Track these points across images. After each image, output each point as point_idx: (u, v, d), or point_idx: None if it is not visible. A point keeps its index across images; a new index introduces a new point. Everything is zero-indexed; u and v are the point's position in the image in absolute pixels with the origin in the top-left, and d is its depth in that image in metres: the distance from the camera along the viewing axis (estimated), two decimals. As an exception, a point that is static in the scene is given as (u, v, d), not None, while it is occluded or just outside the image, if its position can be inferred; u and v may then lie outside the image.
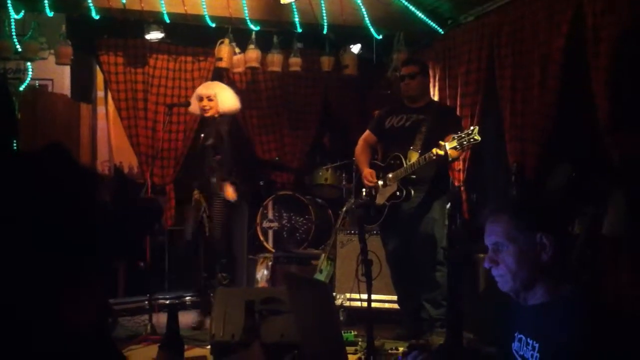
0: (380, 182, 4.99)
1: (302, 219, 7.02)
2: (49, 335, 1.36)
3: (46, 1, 5.40)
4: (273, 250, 6.85)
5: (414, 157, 4.81)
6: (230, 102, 5.63)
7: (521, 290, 2.08)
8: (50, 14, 5.53)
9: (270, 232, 7.04)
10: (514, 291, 2.09)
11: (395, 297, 5.32)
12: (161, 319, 5.25)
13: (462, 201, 5.84)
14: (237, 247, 6.68)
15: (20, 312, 1.35)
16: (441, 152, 4.54)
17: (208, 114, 5.56)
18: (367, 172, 5.03)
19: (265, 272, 6.47)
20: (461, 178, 5.85)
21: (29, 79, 6.24)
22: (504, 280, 2.09)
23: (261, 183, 7.31)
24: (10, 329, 1.34)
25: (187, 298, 6.42)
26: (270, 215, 7.06)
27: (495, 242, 2.10)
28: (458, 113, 5.75)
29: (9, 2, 5.31)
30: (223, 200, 5.50)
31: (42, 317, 1.36)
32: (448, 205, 5.45)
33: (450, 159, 4.67)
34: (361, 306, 5.26)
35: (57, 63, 6.09)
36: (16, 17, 5.53)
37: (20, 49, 5.73)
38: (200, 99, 5.59)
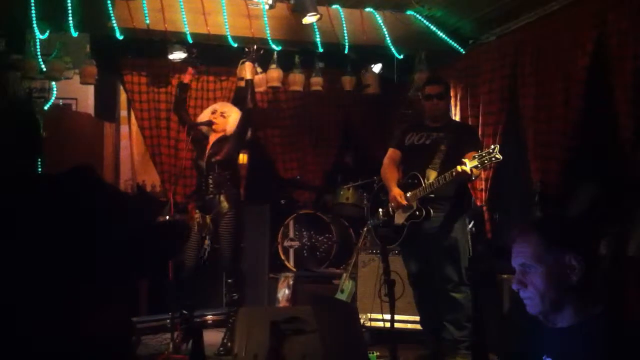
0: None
1: (323, 237, 7.01)
2: (68, 348, 1.37)
3: (71, 21, 5.45)
4: (294, 269, 6.84)
5: (432, 175, 4.77)
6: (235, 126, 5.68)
7: (550, 313, 2.05)
8: (75, 34, 5.59)
9: (292, 251, 7.04)
10: (542, 313, 2.06)
11: (418, 318, 5.27)
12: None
13: (484, 221, 5.80)
14: (257, 265, 6.69)
15: (39, 324, 1.35)
16: (466, 169, 4.50)
17: (216, 128, 5.61)
18: (397, 193, 4.91)
19: (287, 291, 6.46)
20: (483, 197, 5.81)
21: (53, 98, 6.31)
22: (533, 303, 2.06)
23: (282, 202, 7.32)
24: (31, 341, 1.35)
25: (209, 317, 6.41)
26: (291, 234, 7.06)
27: (523, 263, 2.07)
28: (480, 132, 5.73)
29: (34, 22, 5.38)
30: (231, 218, 5.50)
31: (61, 331, 1.37)
32: (470, 225, 5.42)
33: (472, 177, 4.65)
34: (383, 326, 5.23)
35: (82, 83, 6.15)
36: (41, 37, 5.59)
37: (45, 69, 5.79)
38: (214, 111, 5.67)
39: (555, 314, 2.05)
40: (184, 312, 5.44)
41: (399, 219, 4.93)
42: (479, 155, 4.50)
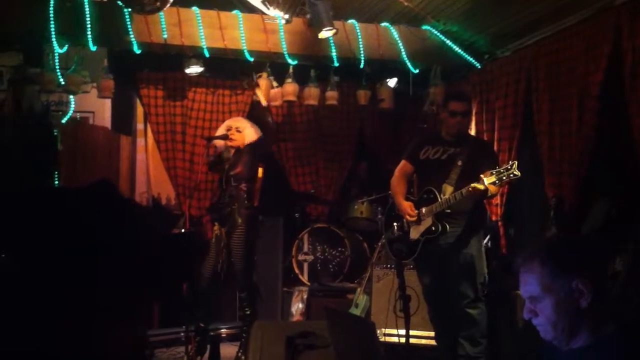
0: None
1: (337, 252, 7.01)
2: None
3: (90, 36, 5.51)
4: (308, 283, 6.83)
5: (448, 191, 4.74)
6: (252, 139, 5.79)
7: (564, 338, 2.03)
8: (93, 48, 5.64)
9: (306, 265, 7.04)
10: (556, 339, 2.04)
11: (432, 333, 5.24)
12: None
13: (499, 236, 5.77)
14: (270, 279, 6.69)
15: (61, 341, 1.37)
16: (480, 187, 4.43)
17: (232, 144, 5.71)
18: (406, 206, 4.92)
19: (301, 305, 6.45)
20: (499, 212, 5.78)
21: (71, 111, 6.37)
22: (545, 330, 2.04)
23: (296, 215, 7.33)
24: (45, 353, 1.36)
25: (223, 330, 6.42)
26: (305, 247, 7.06)
27: (531, 293, 2.05)
28: (495, 147, 5.71)
29: (53, 36, 5.44)
30: (243, 231, 5.53)
31: (76, 343, 1.38)
32: (486, 240, 5.38)
33: (489, 194, 4.60)
34: (398, 341, 5.21)
35: (99, 96, 6.20)
36: (60, 51, 5.65)
37: (63, 82, 5.84)
38: (229, 128, 5.75)
39: (570, 338, 2.02)
40: (201, 324, 5.45)
41: (414, 234, 4.91)
42: (497, 172, 4.43)
